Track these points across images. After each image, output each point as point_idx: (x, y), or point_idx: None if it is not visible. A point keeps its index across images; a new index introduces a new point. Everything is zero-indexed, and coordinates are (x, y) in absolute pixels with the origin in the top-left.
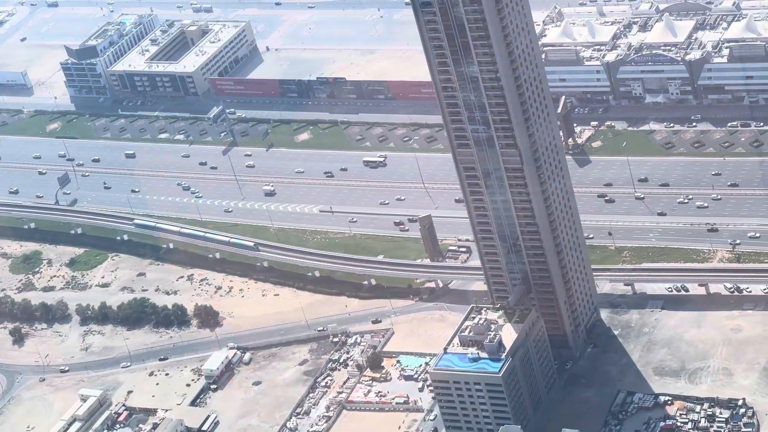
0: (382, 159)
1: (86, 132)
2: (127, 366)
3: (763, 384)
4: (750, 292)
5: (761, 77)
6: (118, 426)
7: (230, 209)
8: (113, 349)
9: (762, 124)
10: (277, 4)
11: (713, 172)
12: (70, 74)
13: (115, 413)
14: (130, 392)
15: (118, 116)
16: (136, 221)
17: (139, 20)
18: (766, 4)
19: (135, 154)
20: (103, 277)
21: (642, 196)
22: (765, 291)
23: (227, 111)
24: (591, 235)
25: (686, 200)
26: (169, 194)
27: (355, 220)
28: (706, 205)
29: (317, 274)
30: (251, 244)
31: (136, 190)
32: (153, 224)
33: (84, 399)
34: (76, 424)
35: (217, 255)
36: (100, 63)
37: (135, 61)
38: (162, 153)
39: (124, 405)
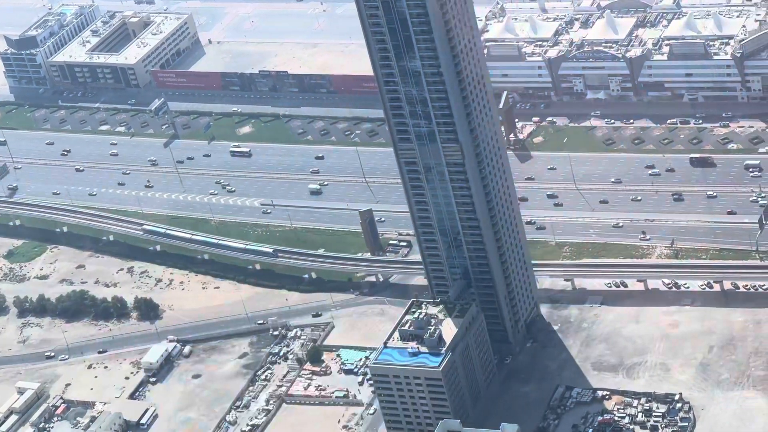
0: (247, 150)
1: (26, 123)
2: (66, 359)
3: (700, 379)
4: (688, 288)
5: (700, 75)
6: (55, 419)
7: (172, 202)
8: (51, 341)
9: (701, 121)
10: None
11: (649, 171)
12: (9, 64)
13: (52, 406)
14: (68, 385)
15: (59, 107)
16: (145, 227)
17: (80, 11)
18: (705, 3)
19: (71, 150)
20: (41, 269)
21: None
22: (702, 287)
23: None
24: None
25: (638, 198)
26: (109, 186)
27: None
28: (639, 198)
29: (258, 267)
30: (270, 250)
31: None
32: (163, 230)
33: (21, 392)
34: (13, 417)
35: (158, 247)
36: (40, 53)
37: (76, 52)
38: (103, 144)
39: (61, 398)
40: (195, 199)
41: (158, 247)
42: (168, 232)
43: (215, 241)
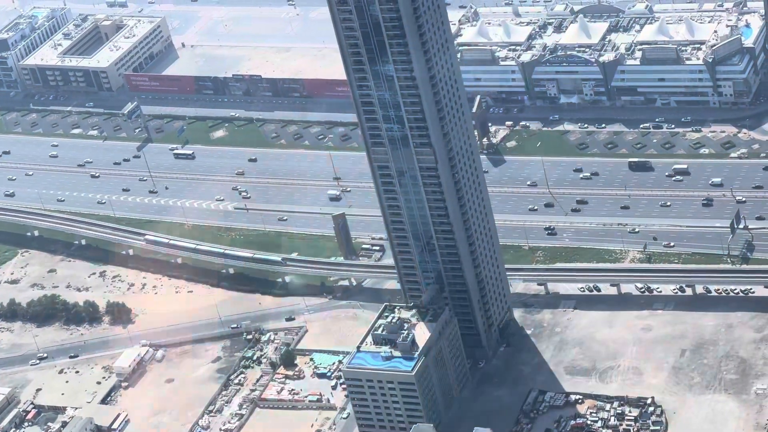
0: (190, 152)
1: None
2: (36, 363)
3: (672, 383)
4: (660, 292)
5: (673, 80)
6: (26, 424)
7: (144, 205)
8: (22, 346)
9: (673, 126)
10: (193, 0)
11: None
12: None
13: (23, 411)
14: (38, 390)
15: (30, 111)
16: (147, 237)
17: (52, 14)
18: (677, 8)
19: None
20: (12, 274)
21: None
22: (675, 291)
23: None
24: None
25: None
26: (81, 190)
27: (285, 218)
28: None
29: (231, 271)
30: (278, 258)
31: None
32: (166, 241)
33: None
34: None
35: (131, 251)
36: (11, 56)
37: (47, 55)
38: (76, 148)
39: (32, 403)
40: (168, 203)
41: (131, 251)
42: (171, 242)
43: (222, 251)
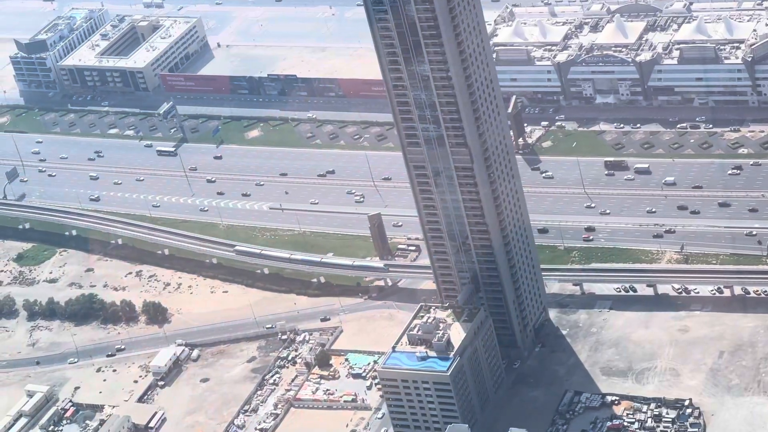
0: (173, 149)
1: (35, 126)
2: (75, 362)
3: (710, 385)
4: (698, 293)
5: (710, 79)
6: (64, 422)
7: (180, 205)
8: (60, 344)
9: (711, 125)
10: (218, 3)
11: (662, 175)
12: (19, 68)
13: (61, 409)
14: (77, 388)
15: (68, 111)
16: (237, 248)
17: (90, 15)
18: (716, 7)
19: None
20: (50, 273)
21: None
22: (712, 292)
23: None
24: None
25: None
26: (119, 190)
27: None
28: (654, 210)
29: (266, 271)
30: (381, 265)
31: (94, 176)
32: (258, 251)
33: (30, 395)
34: (22, 420)
35: (166, 251)
36: (50, 57)
37: (85, 56)
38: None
39: (70, 401)
40: (203, 203)
41: (167, 251)
42: (264, 252)
43: (318, 259)
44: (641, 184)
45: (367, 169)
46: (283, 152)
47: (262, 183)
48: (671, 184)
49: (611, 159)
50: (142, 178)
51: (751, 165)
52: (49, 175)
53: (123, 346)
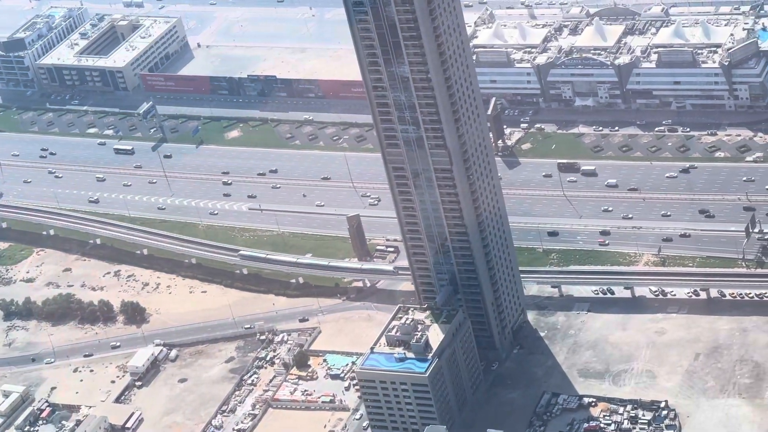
0: (130, 147)
1: (13, 125)
2: (51, 362)
3: (686, 386)
4: (674, 295)
5: (688, 83)
6: (40, 422)
7: (160, 205)
8: (37, 344)
9: (688, 129)
10: (212, 3)
11: (667, 176)
12: None
13: (37, 409)
14: (53, 388)
15: (46, 110)
16: (241, 252)
17: (69, 13)
18: (694, 11)
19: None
20: (28, 272)
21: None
22: (689, 295)
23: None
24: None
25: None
26: (96, 189)
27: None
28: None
29: (245, 271)
30: (390, 268)
31: (59, 176)
32: (263, 256)
33: (6, 395)
34: None
35: (145, 251)
36: (28, 56)
37: (64, 55)
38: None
39: (47, 401)
40: (182, 203)
41: (145, 251)
42: (269, 257)
43: (326, 263)
44: (585, 186)
45: (346, 169)
46: (263, 153)
47: (240, 181)
48: (613, 186)
49: (564, 161)
50: (128, 183)
51: (689, 168)
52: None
53: (119, 344)
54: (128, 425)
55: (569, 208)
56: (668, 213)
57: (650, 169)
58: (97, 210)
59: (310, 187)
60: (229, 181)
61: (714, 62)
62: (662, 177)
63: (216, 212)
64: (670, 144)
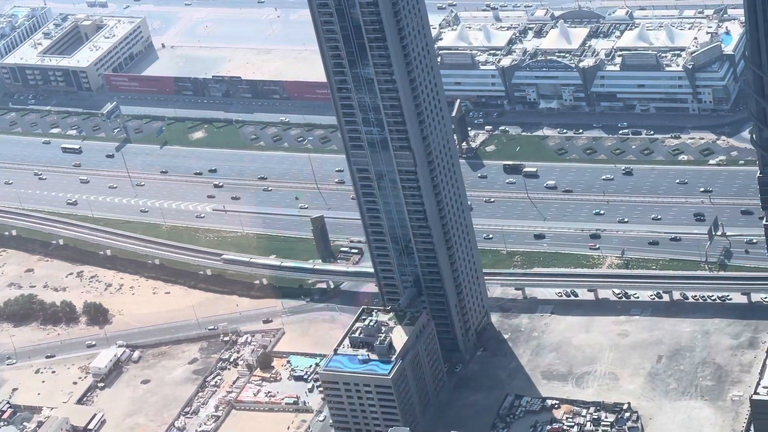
0: (77, 147)
1: None
2: (13, 363)
3: (648, 389)
4: (637, 297)
5: (652, 86)
6: (1, 423)
7: (123, 206)
8: None
9: (652, 132)
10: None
11: (604, 178)
12: None
13: None
14: (15, 389)
15: (8, 110)
16: (224, 257)
17: (32, 13)
18: (658, 15)
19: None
20: None
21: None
22: (652, 297)
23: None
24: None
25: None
26: (60, 189)
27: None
28: (600, 211)
29: (209, 272)
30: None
31: (10, 182)
32: (247, 260)
33: None
34: None
35: (108, 252)
36: None
37: (27, 55)
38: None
39: (8, 402)
40: (146, 204)
41: (108, 252)
42: (252, 260)
43: (311, 267)
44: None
45: (311, 171)
46: (228, 154)
47: (221, 184)
48: (552, 187)
49: (509, 162)
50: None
51: (622, 173)
52: None
53: (94, 343)
54: (90, 427)
55: (533, 210)
56: (625, 219)
57: (589, 171)
58: (59, 210)
59: (274, 189)
60: (195, 182)
61: (678, 66)
62: (599, 178)
63: (181, 213)
64: (634, 147)
